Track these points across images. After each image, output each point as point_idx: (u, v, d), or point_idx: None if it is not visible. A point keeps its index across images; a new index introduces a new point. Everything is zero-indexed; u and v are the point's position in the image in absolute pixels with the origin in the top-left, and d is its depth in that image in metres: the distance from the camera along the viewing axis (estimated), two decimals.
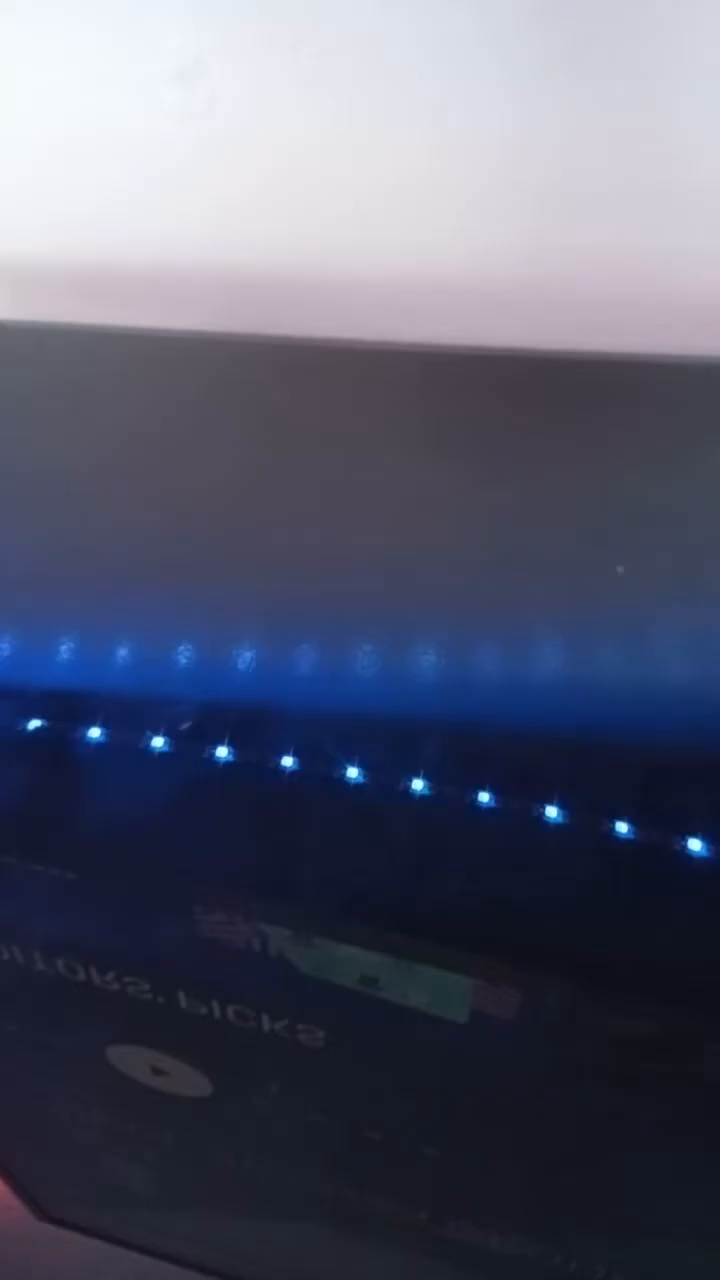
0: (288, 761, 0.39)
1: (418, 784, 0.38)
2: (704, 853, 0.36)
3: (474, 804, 0.38)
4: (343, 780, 0.39)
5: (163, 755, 0.40)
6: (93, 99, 0.48)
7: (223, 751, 0.40)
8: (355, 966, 0.40)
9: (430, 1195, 0.56)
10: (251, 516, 0.48)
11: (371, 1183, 0.57)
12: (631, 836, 0.37)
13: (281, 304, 0.51)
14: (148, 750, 0.40)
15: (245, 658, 0.43)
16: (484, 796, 0.38)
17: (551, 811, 0.37)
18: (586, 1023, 0.39)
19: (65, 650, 0.44)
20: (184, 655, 0.43)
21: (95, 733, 0.41)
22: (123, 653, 0.44)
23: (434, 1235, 0.58)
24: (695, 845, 0.36)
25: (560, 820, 0.37)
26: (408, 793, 0.38)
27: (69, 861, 0.41)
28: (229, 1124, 0.55)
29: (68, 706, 0.42)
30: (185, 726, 0.40)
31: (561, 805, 0.37)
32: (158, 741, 0.40)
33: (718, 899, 0.36)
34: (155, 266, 0.52)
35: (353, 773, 0.39)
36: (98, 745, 0.41)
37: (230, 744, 0.40)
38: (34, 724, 0.42)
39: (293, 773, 0.39)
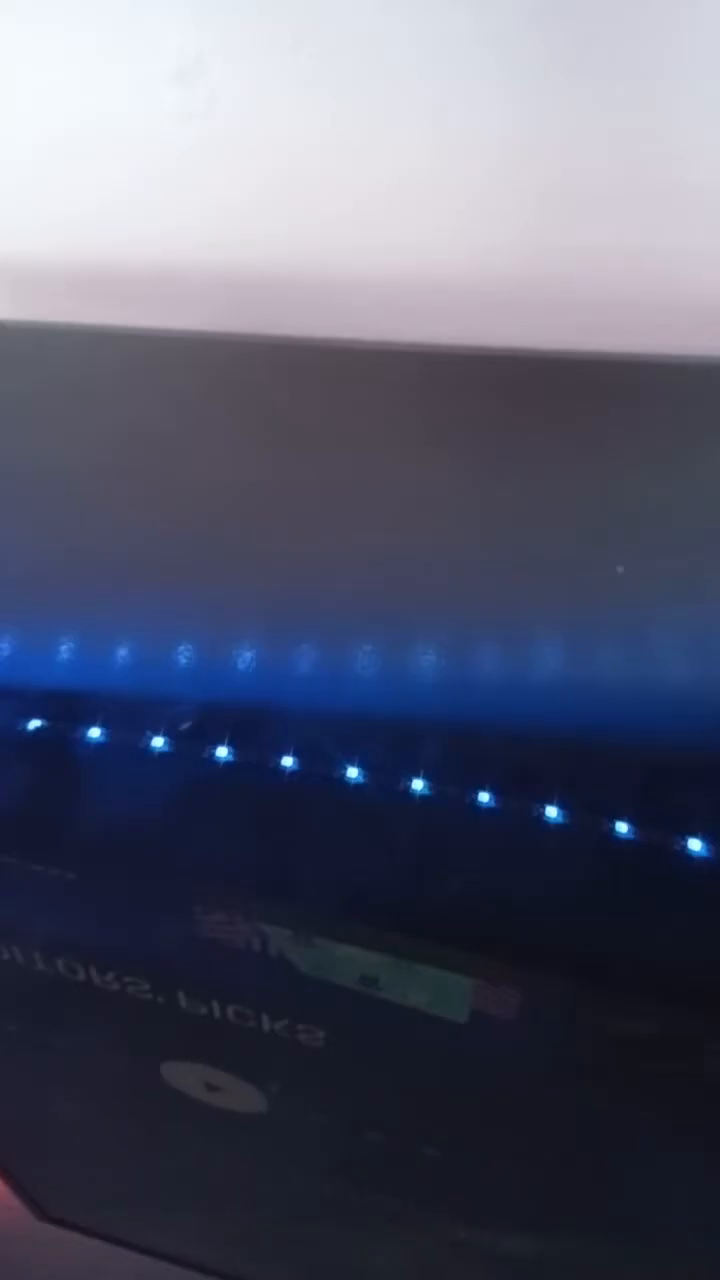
0: (288, 761, 0.39)
1: (418, 784, 0.38)
2: (704, 853, 0.36)
3: (474, 804, 0.38)
4: (343, 780, 0.39)
5: (163, 755, 0.40)
6: (93, 99, 0.48)
7: (223, 751, 0.40)
8: (355, 966, 0.40)
9: (431, 1195, 0.56)
10: (251, 516, 0.48)
11: (371, 1183, 0.57)
12: (631, 836, 0.37)
13: (281, 304, 0.51)
14: (148, 750, 0.40)
15: (245, 658, 0.43)
16: (484, 796, 0.38)
17: (551, 811, 0.37)
18: (586, 1023, 0.39)
19: (65, 650, 0.44)
20: (184, 655, 0.43)
21: (95, 733, 0.41)
22: (123, 653, 0.44)
23: (434, 1235, 0.58)
24: (695, 845, 0.36)
25: (560, 820, 0.37)
26: (408, 793, 0.38)
27: (69, 861, 0.41)
28: (228, 1124, 0.55)
29: (68, 706, 0.42)
30: (185, 726, 0.40)
31: (561, 805, 0.37)
32: (158, 741, 0.40)
33: (718, 899, 0.36)
34: (155, 266, 0.52)
35: (353, 773, 0.39)
36: (98, 745, 0.41)
37: (230, 744, 0.40)
38: (34, 724, 0.42)
39: (293, 773, 0.39)
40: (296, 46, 0.44)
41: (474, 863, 0.38)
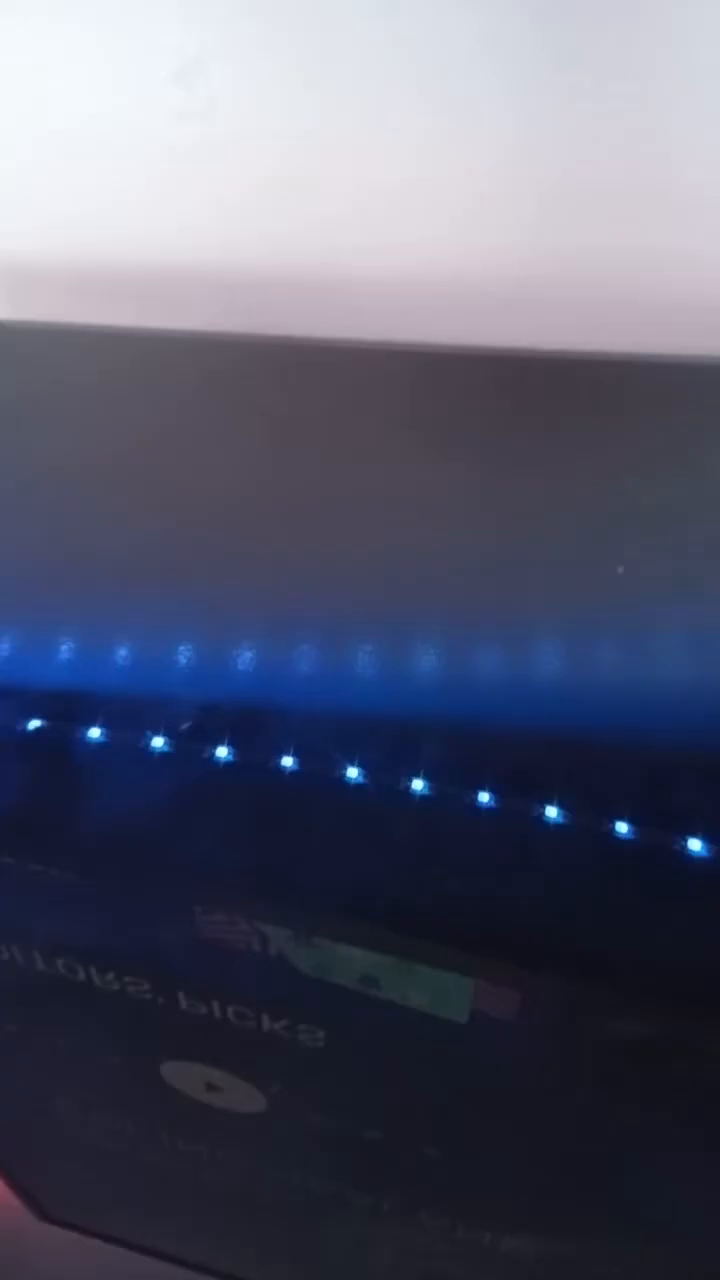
0: (288, 761, 0.39)
1: (417, 784, 0.38)
2: (704, 853, 0.36)
3: (474, 804, 0.38)
4: (343, 780, 0.39)
5: (163, 755, 0.40)
6: (93, 99, 0.48)
7: (223, 751, 0.40)
8: (355, 966, 0.40)
9: (431, 1195, 0.56)
10: (251, 516, 0.48)
11: (372, 1183, 0.57)
12: (631, 836, 0.37)
13: (281, 304, 0.51)
14: (148, 750, 0.40)
15: (245, 658, 0.43)
16: (484, 797, 0.38)
17: (551, 811, 0.37)
18: (586, 1022, 0.39)
19: (65, 650, 0.44)
20: (184, 655, 0.43)
21: (95, 733, 0.41)
22: (123, 653, 0.44)
23: (434, 1235, 0.58)
24: (695, 845, 0.36)
25: (560, 820, 0.37)
26: (407, 793, 0.38)
27: (69, 861, 0.41)
28: (227, 1124, 0.55)
29: (68, 706, 0.42)
30: (185, 726, 0.41)
31: (561, 805, 0.37)
32: (158, 741, 0.40)
33: (718, 899, 0.36)
34: (155, 266, 0.52)
35: (353, 773, 0.39)
36: (98, 745, 0.41)
37: (230, 744, 0.40)
38: (34, 724, 0.42)
39: (293, 773, 0.39)
40: (296, 46, 0.45)
41: (474, 863, 0.38)
